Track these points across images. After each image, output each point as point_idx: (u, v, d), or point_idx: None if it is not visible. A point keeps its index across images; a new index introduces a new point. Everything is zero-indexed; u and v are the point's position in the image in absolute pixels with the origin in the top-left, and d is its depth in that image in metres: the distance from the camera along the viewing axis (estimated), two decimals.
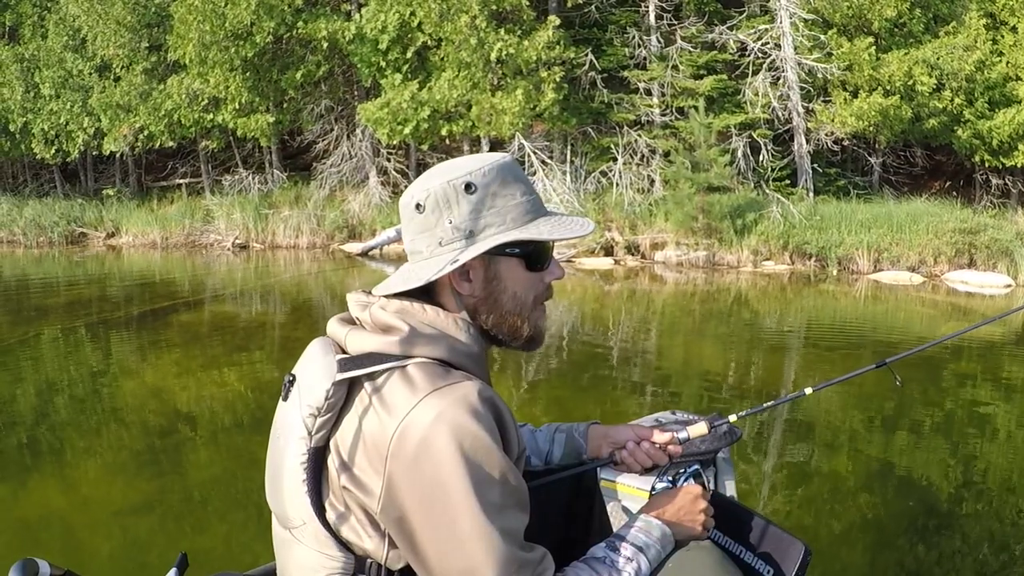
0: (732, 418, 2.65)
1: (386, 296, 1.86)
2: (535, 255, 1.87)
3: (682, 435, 2.42)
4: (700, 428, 2.47)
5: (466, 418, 1.62)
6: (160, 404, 7.79)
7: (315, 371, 1.78)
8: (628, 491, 3.30)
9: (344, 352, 1.81)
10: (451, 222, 1.80)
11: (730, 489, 3.40)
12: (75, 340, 10.90)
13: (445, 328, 1.80)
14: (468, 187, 1.79)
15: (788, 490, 5.75)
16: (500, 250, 1.82)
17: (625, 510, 3.21)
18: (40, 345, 10.50)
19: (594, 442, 2.39)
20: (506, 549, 1.60)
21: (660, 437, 2.37)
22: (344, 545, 1.77)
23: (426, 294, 1.87)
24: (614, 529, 2.60)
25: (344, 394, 1.73)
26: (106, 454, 6.39)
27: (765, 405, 2.90)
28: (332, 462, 1.75)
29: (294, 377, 1.85)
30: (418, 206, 1.83)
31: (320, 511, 1.76)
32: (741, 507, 2.54)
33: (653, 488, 2.35)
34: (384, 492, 1.66)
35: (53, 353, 10.11)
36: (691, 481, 2.35)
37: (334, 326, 1.88)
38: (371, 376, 1.72)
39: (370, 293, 1.92)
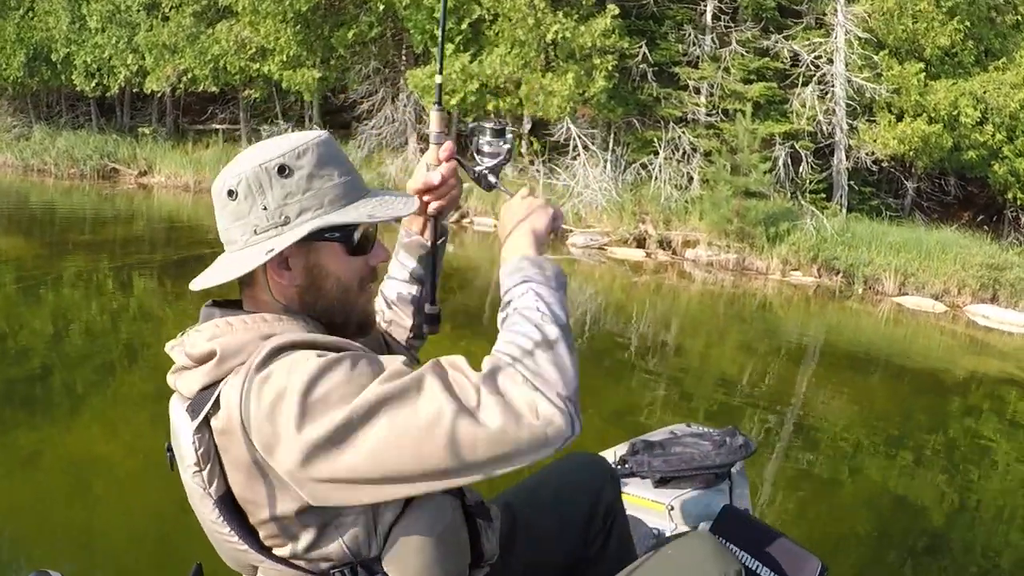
0: (438, 78, 2.29)
1: (195, 328, 1.77)
2: (357, 240, 1.81)
3: (433, 137, 2.12)
4: (434, 117, 2.12)
5: (274, 369, 1.57)
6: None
7: (179, 430, 1.72)
8: (640, 503, 3.32)
9: (187, 398, 1.73)
10: (265, 208, 1.72)
11: (744, 502, 3.41)
12: (98, 283, 11.00)
13: (256, 329, 1.70)
14: (281, 170, 1.71)
15: (805, 505, 5.83)
16: (319, 236, 1.74)
17: (636, 520, 3.18)
18: (65, 285, 10.55)
19: (414, 228, 2.27)
20: (396, 394, 1.52)
21: (429, 156, 2.11)
22: (304, 569, 1.72)
23: (245, 289, 1.83)
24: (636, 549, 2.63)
25: (209, 436, 1.66)
26: (116, 409, 6.44)
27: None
28: (243, 499, 1.70)
29: (170, 445, 1.81)
30: (230, 192, 1.73)
31: (263, 550, 1.72)
32: (756, 521, 2.60)
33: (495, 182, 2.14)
34: (298, 487, 1.58)
35: (76, 295, 10.17)
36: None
37: (170, 379, 1.80)
38: (214, 407, 1.63)
39: (183, 334, 1.79)
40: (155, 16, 23.51)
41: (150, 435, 5.79)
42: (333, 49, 21.93)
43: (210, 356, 1.66)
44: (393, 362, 1.62)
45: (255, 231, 1.73)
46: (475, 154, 2.15)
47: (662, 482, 3.42)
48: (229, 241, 1.79)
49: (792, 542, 2.43)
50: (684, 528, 3.23)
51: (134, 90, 25.10)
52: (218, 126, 25.79)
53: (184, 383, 1.72)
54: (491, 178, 2.13)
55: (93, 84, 24.17)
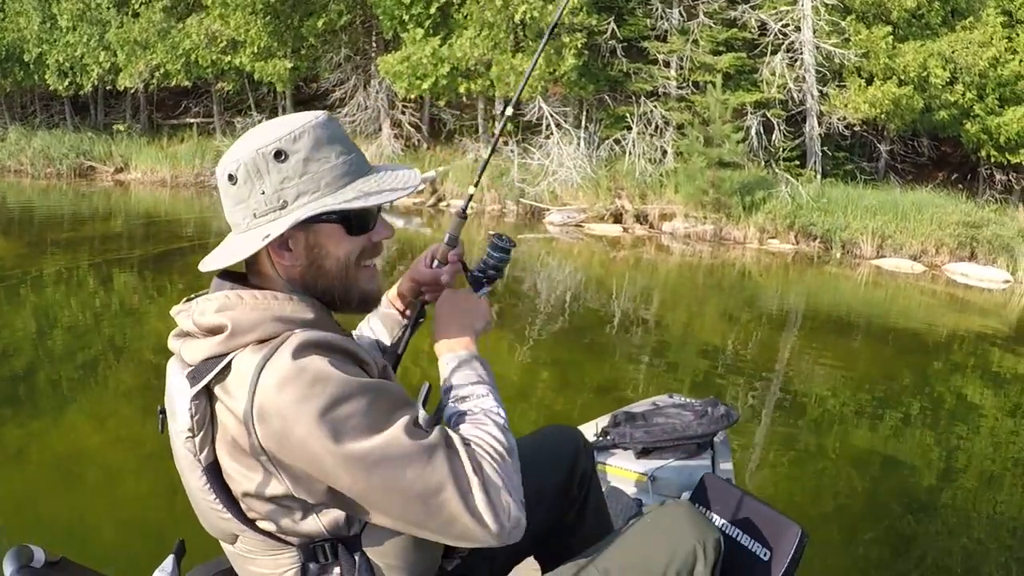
0: (471, 189, 2.41)
1: (205, 295, 1.82)
2: (355, 220, 1.81)
3: (447, 239, 2.29)
4: (455, 222, 2.30)
5: (300, 372, 1.60)
6: (166, 355, 7.69)
7: (175, 394, 1.75)
8: (622, 473, 3.40)
9: (188, 364, 1.76)
10: (263, 193, 1.74)
11: (727, 472, 3.45)
12: (79, 280, 10.96)
13: (267, 308, 1.73)
14: (278, 155, 1.72)
15: (790, 472, 5.88)
16: (316, 218, 1.75)
17: (618, 491, 3.29)
18: (46, 283, 10.50)
19: (400, 305, 2.39)
20: (401, 456, 1.60)
21: (437, 254, 2.29)
22: (284, 542, 1.77)
23: (251, 266, 1.85)
24: (610, 513, 2.72)
25: (206, 405, 1.69)
26: (103, 403, 6.46)
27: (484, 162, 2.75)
28: (228, 472, 1.72)
29: (164, 409, 1.84)
30: (230, 177, 1.76)
31: (245, 520, 1.75)
32: (736, 489, 2.61)
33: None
34: (284, 475, 1.65)
35: (56, 294, 10.10)
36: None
37: (171, 343, 1.84)
38: (218, 378, 1.67)
39: (191, 299, 1.83)
40: (125, 13, 23.37)
41: (135, 427, 5.90)
42: (303, 38, 21.92)
43: (219, 329, 1.70)
44: (406, 411, 1.68)
45: (254, 215, 1.76)
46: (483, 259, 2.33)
47: (644, 453, 3.47)
48: (233, 223, 1.82)
49: (772, 509, 2.46)
50: (667, 498, 3.30)
51: (107, 87, 24.93)
52: (192, 120, 25.65)
53: (188, 350, 1.76)
54: (484, 287, 2.32)
55: (66, 83, 24.01)
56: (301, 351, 1.63)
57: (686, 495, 3.13)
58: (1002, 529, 5.24)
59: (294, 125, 1.74)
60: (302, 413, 1.57)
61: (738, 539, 2.44)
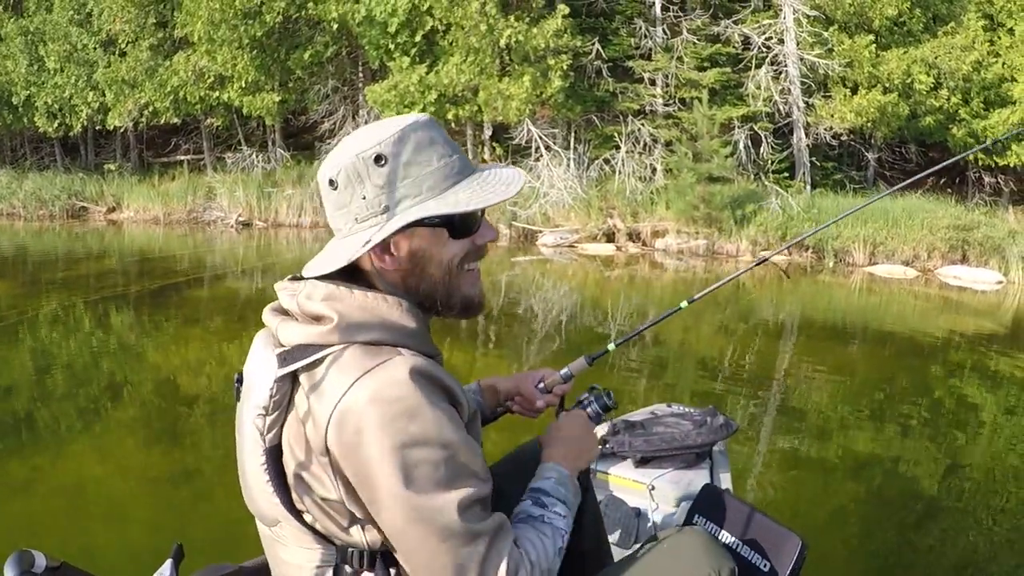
0: (611, 346, 2.73)
1: (314, 279, 1.80)
2: (460, 224, 1.79)
3: (564, 372, 2.48)
4: (580, 363, 2.52)
5: (397, 399, 1.59)
6: (166, 387, 7.83)
7: (258, 369, 1.77)
8: (621, 482, 3.39)
9: (281, 344, 1.76)
10: (364, 198, 1.73)
11: (725, 482, 3.43)
12: (76, 318, 10.92)
13: (375, 309, 1.73)
14: (378, 159, 1.71)
15: (791, 482, 5.85)
16: (419, 222, 1.73)
17: (617, 500, 3.27)
18: (41, 324, 10.43)
19: (488, 395, 2.47)
20: (445, 527, 1.60)
21: (547, 379, 2.47)
22: (324, 537, 1.76)
23: (354, 269, 1.81)
24: (604, 521, 2.75)
25: (288, 389, 1.71)
26: (106, 435, 6.47)
27: (641, 327, 3.01)
28: (287, 460, 1.73)
29: (241, 376, 1.85)
30: (331, 182, 1.76)
31: (292, 509, 1.76)
32: (737, 500, 2.58)
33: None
34: (339, 483, 1.66)
35: (54, 332, 10.08)
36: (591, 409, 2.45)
37: (268, 316, 1.85)
38: (308, 367, 1.68)
39: (298, 278, 1.85)
40: (112, 52, 23.38)
41: (139, 456, 5.93)
42: (291, 71, 21.98)
43: (323, 319, 1.71)
44: (473, 485, 1.67)
45: (356, 220, 1.75)
46: (580, 401, 2.47)
47: (643, 462, 3.47)
48: (335, 228, 1.82)
49: (772, 520, 2.43)
50: (665, 507, 3.30)
51: (97, 127, 24.88)
52: (182, 157, 25.57)
53: (285, 331, 1.76)
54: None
55: (56, 124, 23.99)
56: (406, 376, 1.63)
57: (685, 505, 3.17)
58: (1005, 534, 5.21)
59: (393, 129, 1.73)
60: (379, 437, 1.58)
61: (738, 551, 2.40)
